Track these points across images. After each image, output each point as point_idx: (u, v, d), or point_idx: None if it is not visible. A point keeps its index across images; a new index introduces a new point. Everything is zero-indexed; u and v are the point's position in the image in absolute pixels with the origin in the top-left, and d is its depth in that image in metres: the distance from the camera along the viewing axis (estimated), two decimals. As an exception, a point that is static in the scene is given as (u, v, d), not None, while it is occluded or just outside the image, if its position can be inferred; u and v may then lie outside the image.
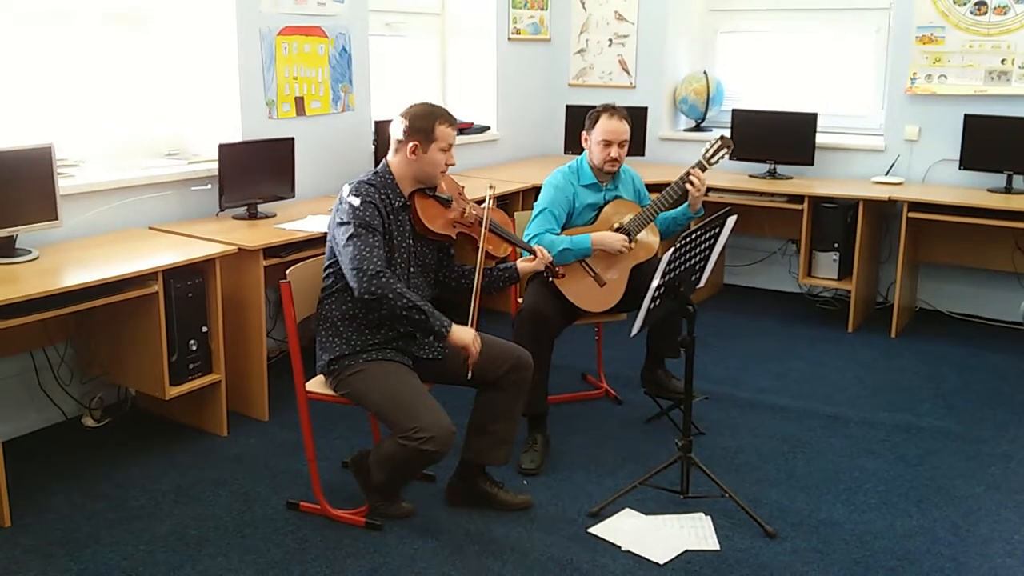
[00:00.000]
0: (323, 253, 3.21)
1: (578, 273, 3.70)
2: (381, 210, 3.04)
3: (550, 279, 3.50)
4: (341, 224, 3.02)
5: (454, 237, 3.22)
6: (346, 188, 3.09)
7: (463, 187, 3.36)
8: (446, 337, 2.98)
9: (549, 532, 3.14)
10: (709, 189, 4.10)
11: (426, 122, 3.07)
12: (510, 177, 5.58)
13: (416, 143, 3.07)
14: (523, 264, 3.36)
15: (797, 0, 6.04)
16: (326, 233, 3.18)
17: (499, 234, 3.31)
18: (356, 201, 3.01)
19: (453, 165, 3.18)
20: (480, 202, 3.31)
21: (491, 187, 3.30)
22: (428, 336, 3.11)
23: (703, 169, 3.83)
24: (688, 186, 3.78)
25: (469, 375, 3.06)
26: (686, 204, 3.90)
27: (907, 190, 5.26)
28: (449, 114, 3.14)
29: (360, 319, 3.09)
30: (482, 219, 3.22)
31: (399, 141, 3.11)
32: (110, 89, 4.27)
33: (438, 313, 2.99)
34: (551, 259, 3.38)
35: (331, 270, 3.12)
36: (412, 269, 3.17)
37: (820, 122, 5.55)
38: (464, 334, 3.01)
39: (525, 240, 3.64)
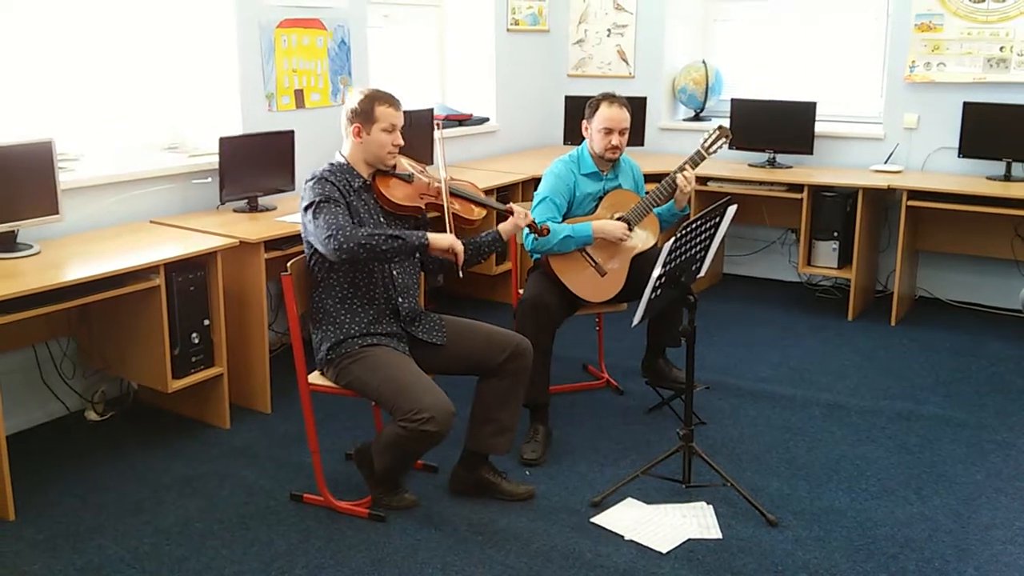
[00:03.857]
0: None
1: (579, 263, 3.70)
2: (339, 187, 3.11)
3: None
4: (305, 208, 3.09)
5: (423, 207, 3.26)
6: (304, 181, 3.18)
7: (424, 167, 3.39)
8: (428, 247, 3.08)
9: (552, 522, 3.15)
10: (709, 179, 4.11)
11: (366, 104, 3.14)
12: (510, 168, 5.58)
13: (359, 125, 3.14)
14: (504, 226, 3.39)
15: (796, -11, 6.05)
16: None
17: (466, 197, 3.34)
18: (311, 182, 3.11)
19: (401, 145, 3.21)
20: (438, 179, 3.32)
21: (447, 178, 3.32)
22: (413, 254, 3.21)
23: (701, 158, 3.84)
24: (680, 179, 3.78)
25: (460, 273, 3.14)
26: (672, 202, 3.90)
27: (906, 178, 5.26)
28: (390, 96, 3.20)
29: (352, 301, 3.13)
30: (447, 190, 3.26)
31: (345, 127, 3.18)
32: (110, 83, 4.27)
33: (411, 232, 3.10)
34: (531, 217, 3.39)
35: (314, 261, 3.17)
36: None
37: (819, 110, 5.54)
38: (443, 238, 3.11)
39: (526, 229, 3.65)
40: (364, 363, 3.08)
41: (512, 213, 3.36)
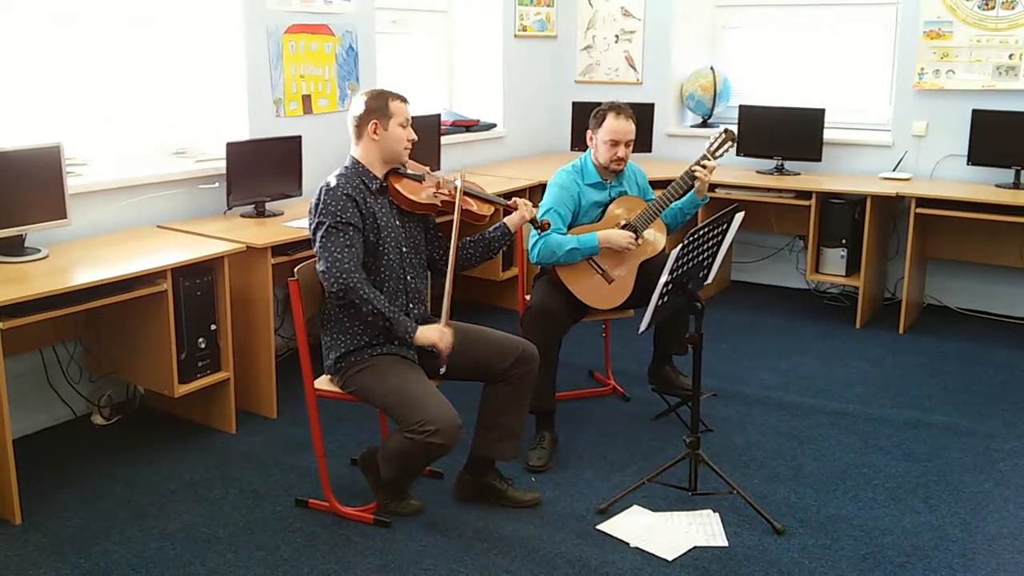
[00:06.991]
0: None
1: (586, 271, 3.70)
2: (356, 199, 3.09)
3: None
4: (315, 221, 3.08)
5: (439, 205, 3.26)
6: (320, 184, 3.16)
7: (428, 168, 3.40)
8: (413, 340, 3.05)
9: (557, 529, 3.14)
10: (716, 186, 4.10)
11: (379, 101, 3.17)
12: (517, 174, 5.58)
13: (376, 121, 3.14)
14: (511, 218, 3.40)
15: (804, -5, 6.05)
16: None
17: (479, 196, 3.36)
18: (327, 193, 3.07)
19: (415, 140, 3.23)
20: (450, 179, 3.35)
21: (462, 172, 3.35)
22: (394, 342, 3.13)
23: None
24: (698, 171, 3.78)
25: (441, 370, 3.09)
26: (692, 192, 3.89)
27: (915, 186, 5.25)
28: (398, 92, 3.23)
29: (363, 312, 3.11)
30: (457, 188, 3.27)
31: (357, 127, 3.18)
32: (118, 88, 4.28)
33: (403, 319, 3.05)
34: (535, 210, 3.41)
35: None
36: (404, 249, 3.20)
37: (828, 118, 5.54)
38: (429, 333, 3.05)
39: (531, 240, 3.67)
40: (371, 372, 3.07)
41: (516, 208, 3.38)
